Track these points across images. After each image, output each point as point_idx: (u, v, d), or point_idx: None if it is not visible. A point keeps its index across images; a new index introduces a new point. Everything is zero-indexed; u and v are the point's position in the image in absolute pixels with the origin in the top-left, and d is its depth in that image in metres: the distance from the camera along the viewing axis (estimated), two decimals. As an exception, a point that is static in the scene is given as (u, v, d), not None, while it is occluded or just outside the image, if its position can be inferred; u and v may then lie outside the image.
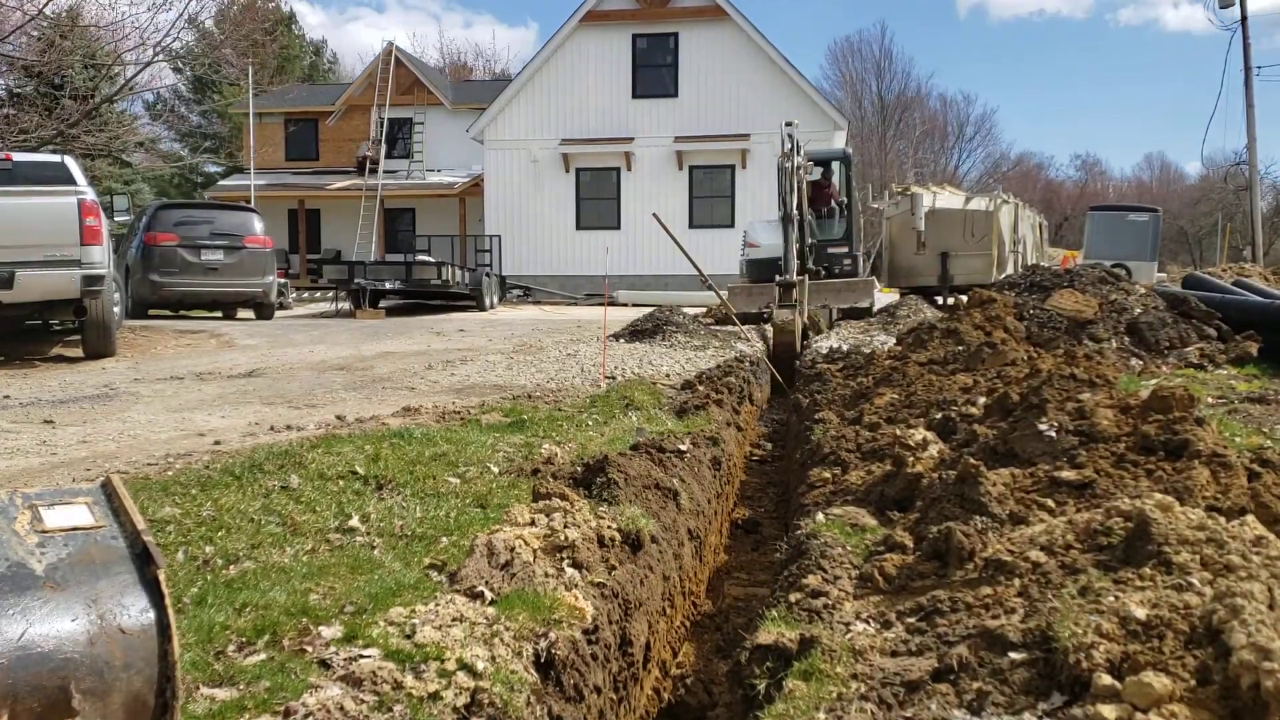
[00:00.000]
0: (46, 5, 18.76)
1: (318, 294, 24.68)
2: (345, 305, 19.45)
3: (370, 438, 4.87)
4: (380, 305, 19.03)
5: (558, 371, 8.55)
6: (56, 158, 10.40)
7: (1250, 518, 2.56)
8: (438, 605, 2.61)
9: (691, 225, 25.41)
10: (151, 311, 16.09)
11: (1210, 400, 5.92)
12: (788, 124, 13.63)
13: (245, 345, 11.79)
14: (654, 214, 12.09)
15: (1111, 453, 3.42)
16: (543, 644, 2.57)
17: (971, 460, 3.46)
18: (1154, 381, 6.63)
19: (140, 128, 30.81)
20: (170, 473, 4.21)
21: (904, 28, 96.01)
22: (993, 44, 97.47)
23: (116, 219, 13.01)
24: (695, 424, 5.89)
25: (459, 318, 17.67)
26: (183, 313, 17.02)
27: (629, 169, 25.86)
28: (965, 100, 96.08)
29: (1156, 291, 9.99)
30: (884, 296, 24.48)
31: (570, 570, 3.05)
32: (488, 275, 21.63)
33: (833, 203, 16.48)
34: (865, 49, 60.76)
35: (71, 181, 9.69)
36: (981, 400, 4.91)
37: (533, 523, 3.29)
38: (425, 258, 22.15)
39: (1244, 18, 26.22)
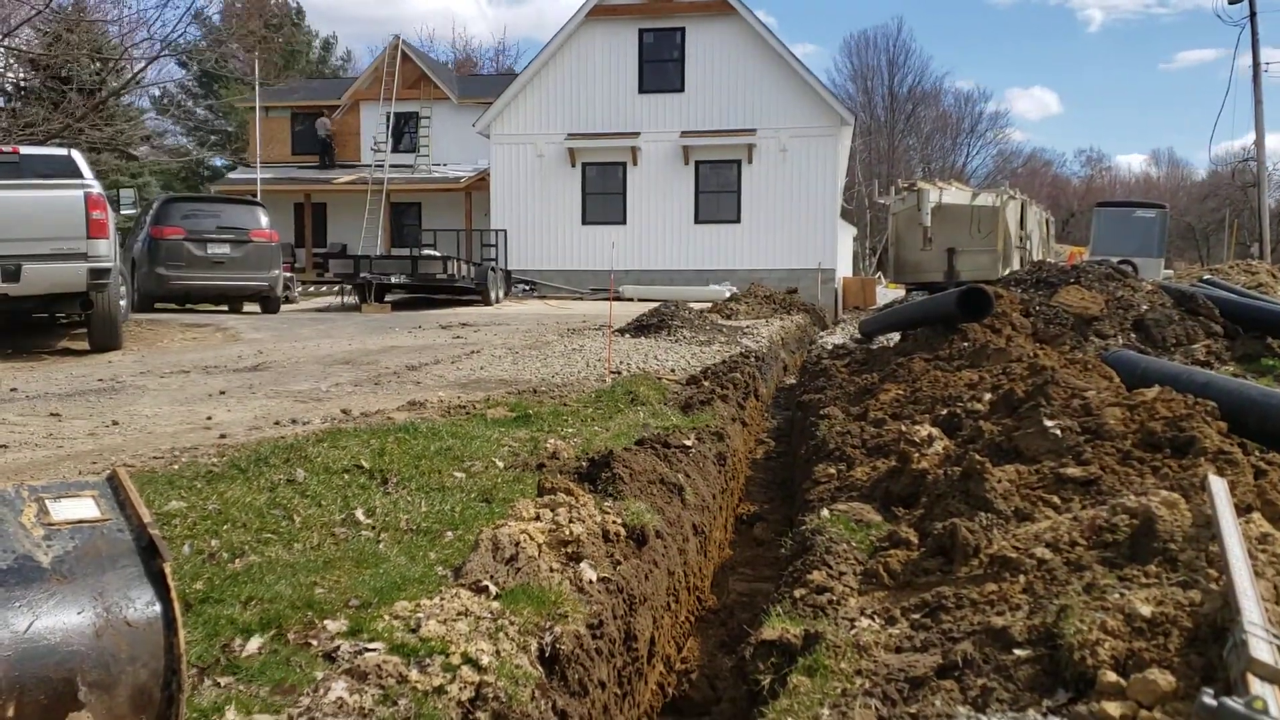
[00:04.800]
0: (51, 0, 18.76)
1: (323, 288, 24.69)
2: (351, 299, 19.47)
3: (375, 432, 4.87)
4: (386, 299, 19.03)
5: (563, 366, 8.55)
6: (63, 151, 10.42)
7: (1256, 515, 2.55)
8: (443, 599, 2.62)
9: (697, 220, 25.35)
10: (158, 305, 16.10)
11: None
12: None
13: (251, 339, 11.80)
14: None
15: (1117, 449, 3.42)
16: (547, 638, 2.57)
17: (977, 457, 3.46)
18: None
19: (147, 122, 30.85)
20: (176, 466, 4.22)
21: (923, 23, 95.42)
22: (1003, 36, 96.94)
23: (123, 212, 13.01)
24: (700, 419, 5.89)
25: (465, 312, 17.66)
26: (189, 306, 17.04)
27: (635, 164, 25.79)
28: (981, 95, 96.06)
29: (1163, 288, 9.96)
30: (890, 292, 24.46)
31: (575, 565, 3.05)
32: (493, 270, 21.61)
33: None
34: (880, 42, 60.66)
35: (78, 175, 9.71)
36: (987, 396, 4.90)
37: (538, 517, 3.29)
38: (431, 252, 22.12)
39: (1253, 14, 26.10)
